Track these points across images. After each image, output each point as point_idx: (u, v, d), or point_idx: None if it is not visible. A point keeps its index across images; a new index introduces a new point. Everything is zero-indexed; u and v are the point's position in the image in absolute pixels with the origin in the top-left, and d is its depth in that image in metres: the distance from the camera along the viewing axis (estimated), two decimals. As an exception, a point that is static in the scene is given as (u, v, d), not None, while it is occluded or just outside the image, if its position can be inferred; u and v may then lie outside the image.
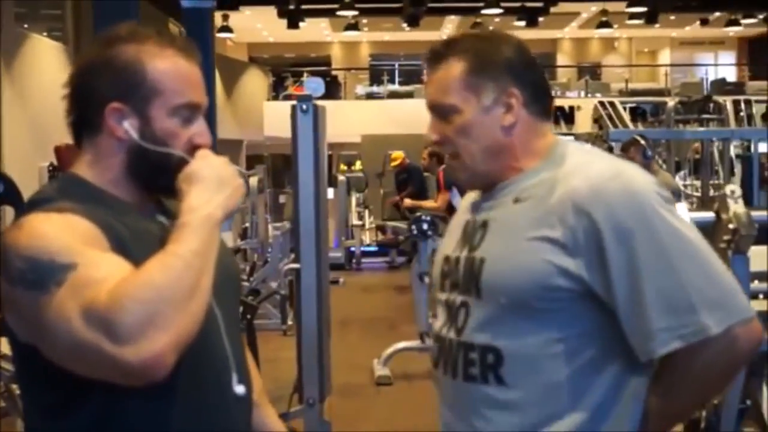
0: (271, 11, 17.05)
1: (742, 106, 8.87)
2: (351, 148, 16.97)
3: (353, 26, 19.06)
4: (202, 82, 1.54)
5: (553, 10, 18.34)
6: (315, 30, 22.95)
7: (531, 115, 1.60)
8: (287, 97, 17.34)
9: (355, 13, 17.51)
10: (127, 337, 1.22)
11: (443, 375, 1.62)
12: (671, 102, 8.51)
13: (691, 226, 1.50)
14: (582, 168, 1.52)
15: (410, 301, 9.15)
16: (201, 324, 1.31)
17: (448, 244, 1.69)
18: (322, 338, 3.83)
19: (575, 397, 1.50)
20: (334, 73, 23.80)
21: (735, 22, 20.34)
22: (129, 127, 1.47)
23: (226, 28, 19.24)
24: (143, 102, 1.47)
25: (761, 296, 3.55)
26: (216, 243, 1.38)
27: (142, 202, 1.53)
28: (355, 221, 13.05)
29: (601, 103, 7.57)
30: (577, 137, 11.54)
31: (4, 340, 1.49)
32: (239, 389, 1.49)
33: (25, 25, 10.84)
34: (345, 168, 15.56)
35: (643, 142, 6.20)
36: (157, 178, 1.50)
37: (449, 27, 24.39)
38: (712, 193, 8.58)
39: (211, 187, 1.41)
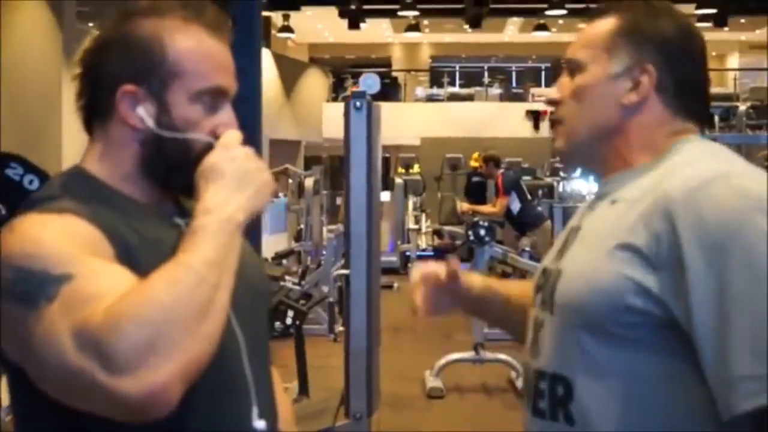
0: (332, 11, 16.96)
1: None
2: (409, 150, 16.81)
3: (414, 27, 18.88)
4: (232, 63, 1.33)
5: (618, 12, 17.91)
6: (376, 31, 22.83)
7: (665, 106, 1.34)
8: (346, 98, 17.18)
9: (417, 13, 17.34)
10: (125, 365, 1.03)
11: (525, 408, 1.38)
12: (743, 106, 8.15)
13: None
14: (685, 166, 1.26)
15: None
16: (216, 349, 1.11)
17: (550, 254, 1.45)
18: (371, 348, 3.69)
19: None
20: (394, 74, 23.65)
21: (808, 26, 19.72)
22: (143, 113, 1.27)
23: (287, 28, 19.20)
24: (161, 85, 1.27)
25: None
26: (236, 251, 1.17)
27: (159, 201, 1.33)
28: (411, 225, 12.84)
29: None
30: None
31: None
32: (259, 425, 1.28)
33: (89, 24, 10.86)
34: (403, 171, 15.39)
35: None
36: (175, 174, 1.29)
37: (511, 29, 24.10)
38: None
39: (231, 185, 1.20)
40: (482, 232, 6.25)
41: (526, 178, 9.72)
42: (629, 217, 1.25)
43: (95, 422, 1.10)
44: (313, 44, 25.83)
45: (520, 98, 19.75)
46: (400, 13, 16.91)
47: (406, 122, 17.43)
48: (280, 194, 11.34)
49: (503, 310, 1.62)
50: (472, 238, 6.30)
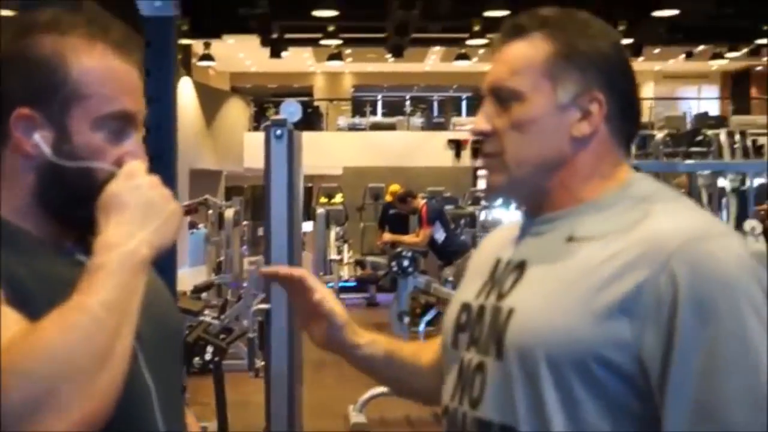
0: (254, 40, 16.80)
1: (736, 138, 8.66)
2: (331, 180, 16.73)
3: (336, 56, 18.87)
4: (140, 87, 1.21)
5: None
6: (298, 60, 22.76)
7: (611, 136, 1.24)
8: (267, 127, 17.05)
9: (339, 42, 17.33)
10: (12, 421, 0.92)
11: None
12: (659, 134, 8.27)
13: None
14: (672, 215, 1.16)
15: (391, 339, 8.85)
16: (124, 399, 1.00)
17: (469, 287, 1.33)
18: (292, 384, 3.58)
19: None
20: (316, 103, 23.59)
21: (719, 56, 20.34)
22: (40, 140, 1.14)
23: (208, 57, 18.99)
24: (61, 109, 1.14)
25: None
26: (140, 291, 1.05)
27: (59, 237, 1.19)
28: (333, 255, 12.70)
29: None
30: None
31: None
32: None
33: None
34: (325, 200, 15.28)
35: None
36: (75, 207, 1.16)
37: (432, 58, 24.30)
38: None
39: (135, 217, 1.08)
40: (405, 262, 6.16)
41: (448, 207, 9.69)
42: (602, 258, 1.14)
43: None
44: (235, 73, 25.62)
45: (441, 127, 19.87)
46: (322, 42, 16.86)
47: (328, 151, 17.35)
48: (200, 225, 11.12)
49: (386, 366, 1.51)
50: (395, 268, 6.20)
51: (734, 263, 1.09)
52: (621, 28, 16.28)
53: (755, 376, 1.05)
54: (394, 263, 6.20)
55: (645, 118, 21.66)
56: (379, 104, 25.09)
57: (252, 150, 17.03)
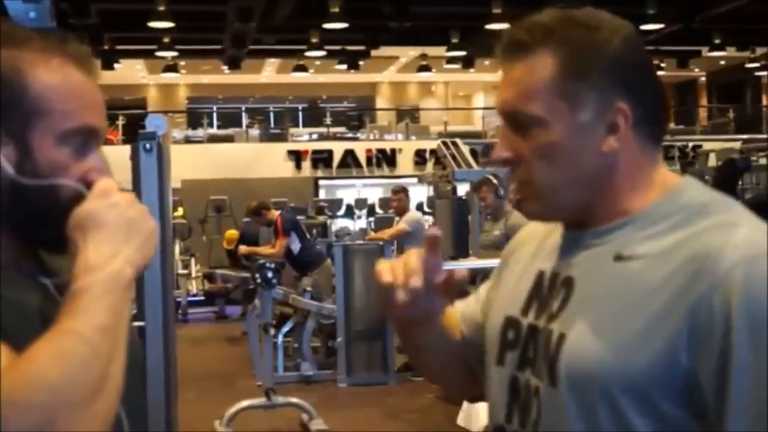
0: (84, 51, 16.31)
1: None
2: (171, 194, 16.34)
3: (172, 68, 18.52)
4: (102, 100, 1.17)
5: (373, 53, 18.51)
6: (130, 71, 22.18)
7: (642, 140, 1.17)
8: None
9: (175, 54, 17.03)
10: None
11: None
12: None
13: None
14: (729, 229, 1.08)
15: (244, 353, 8.77)
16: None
17: (510, 299, 1.26)
18: (170, 400, 3.50)
19: None
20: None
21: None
22: (1, 158, 1.09)
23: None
24: (22, 126, 1.09)
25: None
26: (127, 314, 1.02)
27: (19, 259, 1.13)
28: (180, 270, 12.44)
29: (445, 144, 7.51)
30: (422, 179, 11.64)
31: None
32: None
33: None
34: (167, 214, 14.93)
35: (495, 181, 6.12)
36: (40, 227, 1.11)
37: (268, 70, 24.22)
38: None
39: (116, 236, 1.04)
40: (269, 274, 6.12)
41: (299, 217, 9.69)
42: (656, 280, 1.08)
43: None
44: (62, 86, 24.66)
45: (280, 138, 19.82)
46: (157, 54, 16.52)
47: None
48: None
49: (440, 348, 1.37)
50: (259, 280, 6.15)
51: None
52: (454, 40, 16.85)
53: None
54: (257, 275, 6.14)
55: (478, 127, 22.41)
56: (215, 116, 24.74)
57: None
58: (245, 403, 6.11)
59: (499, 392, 1.24)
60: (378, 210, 16.82)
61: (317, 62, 20.24)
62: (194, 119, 23.04)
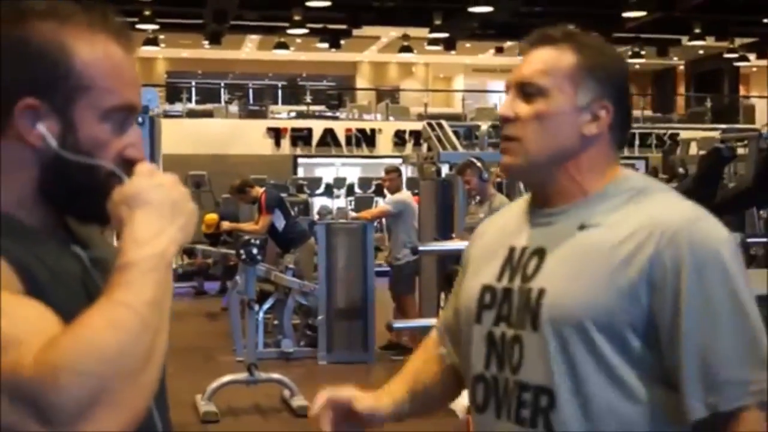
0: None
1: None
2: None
3: (152, 41, 18.39)
4: (138, 77, 1.20)
5: (355, 33, 18.48)
6: (108, 44, 21.96)
7: (611, 139, 1.50)
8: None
9: (155, 27, 16.90)
10: (65, 420, 0.91)
11: (495, 419, 1.46)
12: (484, 126, 8.62)
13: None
14: (668, 202, 1.44)
15: (224, 328, 8.78)
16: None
17: (485, 271, 1.54)
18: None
19: None
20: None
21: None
22: (45, 131, 1.11)
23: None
24: (66, 100, 1.11)
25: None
26: (171, 290, 1.05)
27: (54, 228, 1.17)
28: (159, 245, 12.38)
29: (430, 125, 7.53)
30: (406, 160, 11.67)
31: None
32: None
33: None
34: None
35: (479, 164, 6.17)
36: (78, 199, 1.15)
37: (249, 46, 24.10)
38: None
39: (164, 214, 1.06)
40: (254, 250, 6.14)
41: (282, 195, 9.69)
42: (615, 240, 1.39)
43: None
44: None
45: (260, 115, 19.75)
46: (138, 26, 16.38)
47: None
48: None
49: (416, 404, 1.67)
50: (244, 257, 6.16)
51: (723, 239, 1.39)
52: (436, 22, 16.85)
53: (745, 316, 1.35)
54: (242, 251, 6.16)
55: (458, 109, 22.43)
56: (194, 91, 24.57)
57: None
58: (227, 377, 6.15)
59: (475, 345, 1.50)
60: (357, 189, 16.85)
61: (298, 40, 20.14)
62: (173, 94, 22.89)
